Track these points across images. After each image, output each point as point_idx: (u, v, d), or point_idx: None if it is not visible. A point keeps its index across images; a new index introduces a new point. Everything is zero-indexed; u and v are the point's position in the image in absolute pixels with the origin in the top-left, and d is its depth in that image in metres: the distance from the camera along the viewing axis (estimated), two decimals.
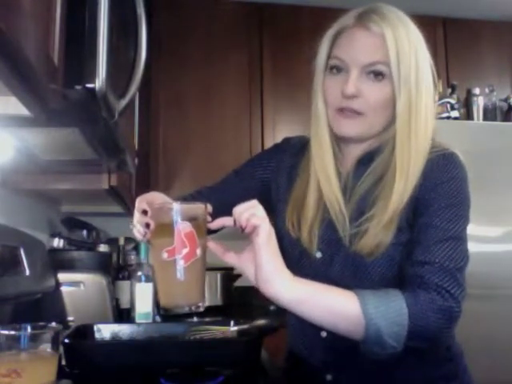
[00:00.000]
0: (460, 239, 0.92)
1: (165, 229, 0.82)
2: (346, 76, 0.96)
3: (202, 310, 0.84)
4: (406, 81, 0.94)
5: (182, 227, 0.81)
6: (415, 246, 0.92)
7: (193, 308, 0.83)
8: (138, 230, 0.88)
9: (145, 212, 0.86)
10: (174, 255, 0.80)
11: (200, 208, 0.85)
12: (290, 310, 0.87)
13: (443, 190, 0.94)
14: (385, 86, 0.95)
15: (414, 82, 0.95)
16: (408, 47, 0.94)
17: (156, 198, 0.92)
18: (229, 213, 1.14)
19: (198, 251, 0.82)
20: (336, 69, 0.97)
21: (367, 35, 0.95)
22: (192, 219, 0.82)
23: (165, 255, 0.81)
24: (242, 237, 0.86)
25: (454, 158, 0.97)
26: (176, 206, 0.82)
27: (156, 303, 1.74)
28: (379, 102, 0.95)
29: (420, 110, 0.96)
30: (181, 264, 0.80)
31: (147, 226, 0.84)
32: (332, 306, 0.86)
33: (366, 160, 1.01)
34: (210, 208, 0.87)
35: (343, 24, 0.99)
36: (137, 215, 0.89)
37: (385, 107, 0.96)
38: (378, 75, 0.94)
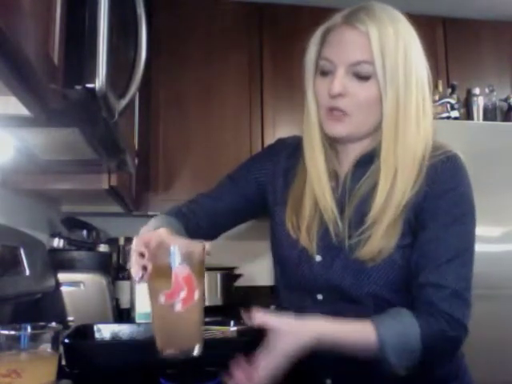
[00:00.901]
0: (470, 252, 0.93)
1: (162, 272, 0.81)
2: (333, 76, 0.95)
3: (197, 354, 0.83)
4: (393, 80, 0.93)
5: (180, 271, 0.80)
6: (425, 263, 0.92)
7: (190, 351, 0.82)
8: (135, 272, 0.86)
9: (142, 254, 0.85)
10: (172, 299, 0.79)
11: (198, 249, 0.84)
12: None
13: (450, 200, 0.93)
14: (371, 86, 0.94)
15: (403, 81, 0.94)
16: (394, 45, 0.93)
17: (154, 237, 0.88)
18: (225, 220, 1.14)
19: (196, 294, 0.81)
20: (326, 71, 0.97)
21: (353, 34, 0.94)
22: (190, 261, 0.81)
23: (162, 299, 0.80)
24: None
25: (458, 161, 0.97)
26: (173, 249, 0.81)
27: None
28: (366, 102, 0.95)
29: (409, 110, 0.95)
30: (178, 308, 0.79)
31: (144, 268, 0.83)
32: (353, 347, 0.89)
33: (364, 162, 1.00)
34: (207, 247, 0.86)
35: (331, 23, 0.99)
36: (134, 257, 0.87)
37: (372, 106, 0.95)
38: (364, 76, 0.94)
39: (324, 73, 0.98)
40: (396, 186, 0.93)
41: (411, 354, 0.87)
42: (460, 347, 0.92)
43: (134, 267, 0.86)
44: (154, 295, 0.82)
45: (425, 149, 0.96)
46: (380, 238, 0.92)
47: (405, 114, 0.94)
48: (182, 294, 0.79)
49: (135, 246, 0.87)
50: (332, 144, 1.03)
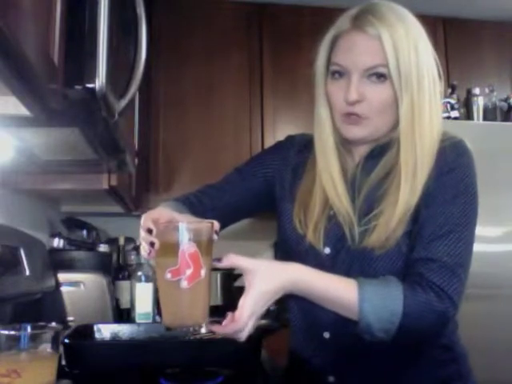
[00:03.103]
0: (463, 231, 0.92)
1: (169, 248, 0.82)
2: (347, 81, 0.95)
3: (203, 330, 0.84)
4: (408, 82, 0.93)
5: (187, 248, 0.81)
6: (418, 239, 0.92)
7: (196, 328, 0.83)
8: (143, 248, 0.88)
9: (150, 230, 0.86)
10: (178, 276, 0.80)
11: (206, 228, 0.85)
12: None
13: (447, 180, 0.94)
14: (387, 87, 0.94)
15: (416, 81, 0.94)
16: (407, 46, 0.93)
17: (162, 214, 0.90)
18: (231, 213, 1.15)
19: (202, 272, 0.81)
20: (338, 74, 0.97)
21: (364, 39, 0.94)
22: (197, 239, 0.82)
23: (168, 275, 0.81)
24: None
25: (461, 146, 0.97)
26: (181, 226, 0.82)
27: (156, 303, 1.74)
28: (382, 104, 0.95)
29: (423, 111, 0.95)
30: (184, 285, 0.80)
31: (152, 244, 0.84)
32: (331, 299, 0.89)
33: (375, 153, 1.01)
34: (216, 226, 0.87)
35: (340, 28, 0.98)
36: (142, 233, 0.88)
37: (388, 108, 0.96)
38: (380, 77, 0.94)
39: (336, 76, 0.98)
40: (416, 183, 0.94)
41: (391, 316, 0.86)
42: (447, 323, 0.90)
43: (142, 243, 0.88)
44: (160, 271, 0.83)
45: (436, 141, 0.97)
46: (388, 227, 0.92)
47: (419, 116, 0.95)
48: (188, 272, 0.80)
49: (143, 222, 0.88)
50: (344, 144, 1.04)
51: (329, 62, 1.00)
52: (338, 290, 0.89)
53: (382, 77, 0.94)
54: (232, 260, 0.87)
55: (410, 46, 0.94)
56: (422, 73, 0.95)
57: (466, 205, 0.93)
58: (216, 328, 0.86)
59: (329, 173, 1.01)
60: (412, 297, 0.87)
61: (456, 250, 0.90)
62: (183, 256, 0.80)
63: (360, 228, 0.95)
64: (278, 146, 1.17)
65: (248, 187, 1.13)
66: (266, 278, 0.86)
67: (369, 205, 0.96)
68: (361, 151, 1.03)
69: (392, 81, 0.93)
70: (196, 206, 1.11)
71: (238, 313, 0.85)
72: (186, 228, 0.82)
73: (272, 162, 1.13)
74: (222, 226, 1.17)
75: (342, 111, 0.97)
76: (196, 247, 0.81)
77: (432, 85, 0.97)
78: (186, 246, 0.81)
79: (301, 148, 1.11)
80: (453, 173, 0.94)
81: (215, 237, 0.86)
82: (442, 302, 0.87)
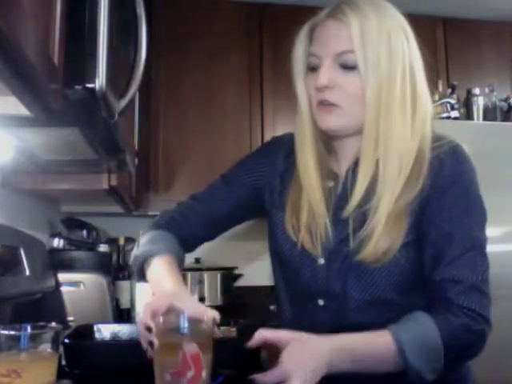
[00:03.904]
0: (482, 242, 0.92)
1: (170, 348, 0.77)
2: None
3: None
4: (375, 71, 0.91)
5: (188, 349, 0.76)
6: (438, 259, 0.90)
7: None
8: (143, 343, 0.85)
9: (149, 327, 0.82)
10: (179, 378, 0.76)
11: (207, 324, 0.80)
12: None
13: (457, 192, 0.92)
14: (357, 76, 0.92)
15: (386, 72, 0.92)
16: (377, 36, 0.91)
17: (162, 304, 0.85)
18: (222, 224, 1.13)
19: (204, 373, 0.77)
20: (314, 66, 0.97)
21: (336, 25, 0.94)
22: (198, 337, 0.78)
23: (168, 377, 0.76)
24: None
25: (461, 151, 0.95)
26: (182, 326, 0.78)
27: None
28: (354, 93, 0.93)
29: (392, 102, 0.92)
30: None
31: (151, 343, 0.80)
32: (374, 359, 0.85)
33: None
34: (217, 318, 0.83)
35: (316, 20, 1.00)
36: (141, 330, 0.85)
37: (361, 98, 0.93)
38: (349, 66, 0.92)
39: (313, 69, 0.97)
40: (383, 182, 0.91)
41: (434, 353, 0.83)
42: (486, 340, 0.89)
43: (142, 339, 0.85)
44: (159, 371, 0.78)
45: (421, 142, 0.94)
46: (381, 239, 0.90)
47: (387, 106, 0.92)
48: (190, 374, 0.75)
49: (142, 317, 0.84)
50: (328, 142, 1.01)
51: (307, 54, 0.99)
52: (376, 349, 0.84)
53: (352, 64, 0.92)
54: (263, 335, 0.81)
55: (381, 37, 0.92)
56: (393, 65, 0.92)
57: (478, 216, 0.93)
58: (259, 376, 0.79)
59: (307, 171, 0.98)
60: (447, 328, 0.85)
61: (478, 267, 0.90)
62: (184, 358, 0.75)
63: (354, 242, 0.92)
64: (264, 149, 1.14)
65: (236, 197, 1.10)
66: (312, 343, 0.81)
67: (363, 215, 0.93)
68: (349, 155, 1.00)
69: (359, 69, 0.92)
70: (182, 224, 1.09)
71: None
72: (187, 328, 0.78)
73: (259, 169, 1.09)
74: (213, 237, 1.15)
75: (315, 99, 0.96)
76: (197, 347, 0.76)
77: (409, 80, 0.94)
78: (188, 346, 0.76)
79: (289, 150, 1.07)
80: (460, 184, 0.92)
81: (216, 331, 0.83)
82: (478, 323, 0.87)
